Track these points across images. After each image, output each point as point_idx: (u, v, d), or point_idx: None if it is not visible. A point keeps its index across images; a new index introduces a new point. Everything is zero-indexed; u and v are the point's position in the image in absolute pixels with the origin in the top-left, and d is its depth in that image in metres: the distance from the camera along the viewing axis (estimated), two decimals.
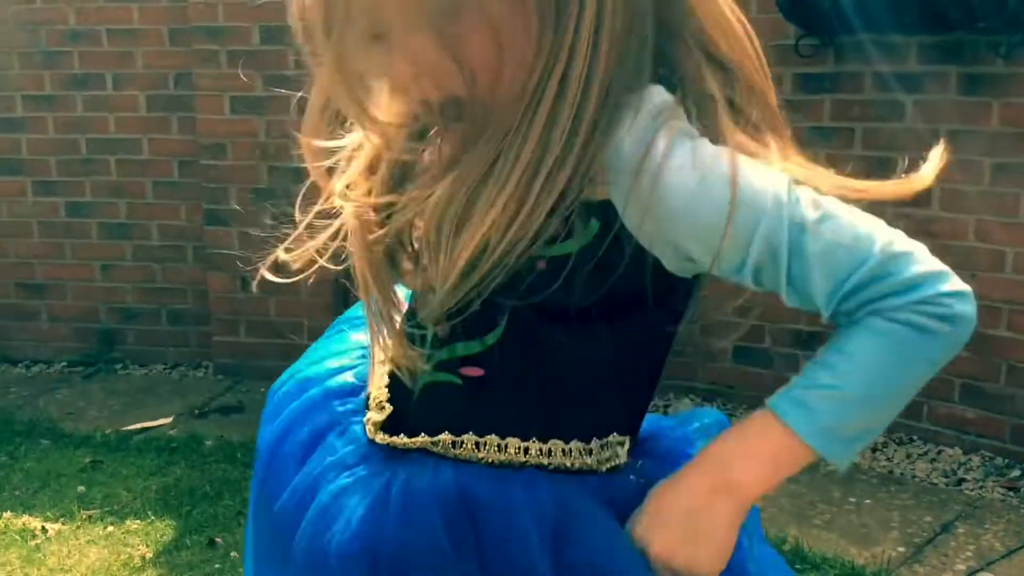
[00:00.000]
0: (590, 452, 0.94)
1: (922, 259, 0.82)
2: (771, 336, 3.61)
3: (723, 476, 0.87)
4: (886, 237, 0.80)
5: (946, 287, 0.81)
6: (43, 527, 2.88)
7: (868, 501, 3.01)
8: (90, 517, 2.94)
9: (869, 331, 0.83)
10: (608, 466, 0.95)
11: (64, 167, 4.20)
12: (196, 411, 3.74)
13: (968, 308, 0.81)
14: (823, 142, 3.39)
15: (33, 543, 2.81)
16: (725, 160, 0.81)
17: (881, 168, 3.32)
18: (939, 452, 3.30)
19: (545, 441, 0.92)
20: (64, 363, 4.31)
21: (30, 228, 4.29)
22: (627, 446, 0.97)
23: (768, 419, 0.87)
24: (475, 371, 0.92)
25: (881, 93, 3.24)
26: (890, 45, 3.17)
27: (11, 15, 4.12)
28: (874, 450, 3.34)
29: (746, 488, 0.87)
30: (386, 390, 0.99)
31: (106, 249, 4.24)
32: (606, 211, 0.84)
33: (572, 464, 0.93)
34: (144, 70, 4.08)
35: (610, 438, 0.96)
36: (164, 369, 4.25)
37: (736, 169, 0.80)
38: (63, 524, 2.90)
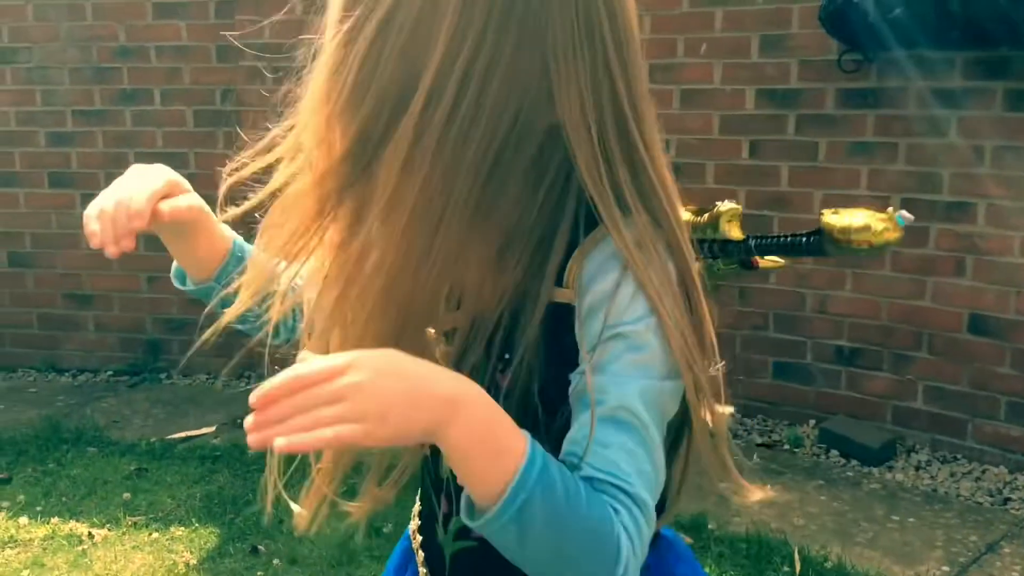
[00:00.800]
0: None
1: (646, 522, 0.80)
2: (812, 352, 3.59)
3: (461, 406, 0.74)
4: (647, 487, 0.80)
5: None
6: (90, 533, 2.93)
7: (912, 520, 2.98)
8: (135, 524, 2.98)
9: (602, 502, 0.78)
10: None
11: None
12: (239, 420, 3.79)
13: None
14: (866, 157, 3.38)
15: (80, 548, 2.86)
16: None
17: (924, 183, 3.33)
18: (984, 471, 3.26)
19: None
20: (110, 372, 4.39)
21: (79, 240, 4.36)
22: None
23: (520, 442, 0.76)
24: None
25: (924, 109, 3.22)
26: (933, 61, 3.16)
27: (63, 32, 4.22)
28: (917, 468, 3.31)
29: (456, 432, 0.74)
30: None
31: (152, 261, 4.27)
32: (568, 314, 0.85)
33: None
34: (191, 85, 4.16)
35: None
36: (207, 379, 4.31)
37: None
38: (109, 530, 2.95)
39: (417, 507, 1.07)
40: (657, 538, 1.02)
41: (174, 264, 1.08)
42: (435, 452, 0.95)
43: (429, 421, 0.73)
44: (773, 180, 3.54)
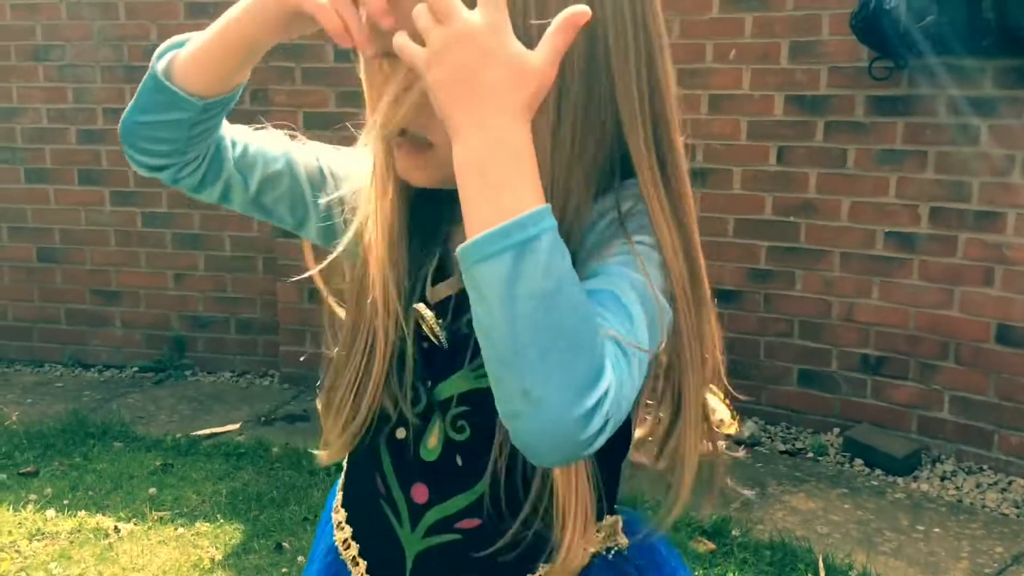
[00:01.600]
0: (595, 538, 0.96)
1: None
2: (838, 360, 3.58)
3: (529, 112, 0.74)
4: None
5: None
6: (116, 527, 2.96)
7: (937, 530, 2.96)
8: (161, 518, 3.01)
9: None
10: (610, 546, 0.99)
11: (141, 178, 4.29)
12: (263, 418, 3.82)
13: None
14: (895, 165, 3.36)
15: (106, 542, 2.88)
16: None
17: (954, 191, 3.31)
18: (1010, 482, 3.23)
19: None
20: (136, 368, 4.42)
21: (107, 237, 4.42)
22: (619, 525, 1.01)
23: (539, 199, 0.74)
24: (473, 522, 0.94)
25: (955, 117, 3.21)
26: (965, 68, 3.14)
27: (96, 30, 4.26)
28: (943, 478, 3.28)
29: (507, 124, 0.72)
30: None
31: (179, 259, 4.36)
32: None
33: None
34: None
35: (605, 521, 0.99)
36: (232, 377, 4.34)
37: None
38: (135, 524, 2.98)
39: (343, 515, 1.04)
40: (653, 551, 1.03)
41: (177, 56, 0.99)
42: (416, 436, 0.95)
43: (492, 98, 0.72)
44: (800, 186, 3.53)
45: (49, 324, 4.53)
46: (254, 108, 4.15)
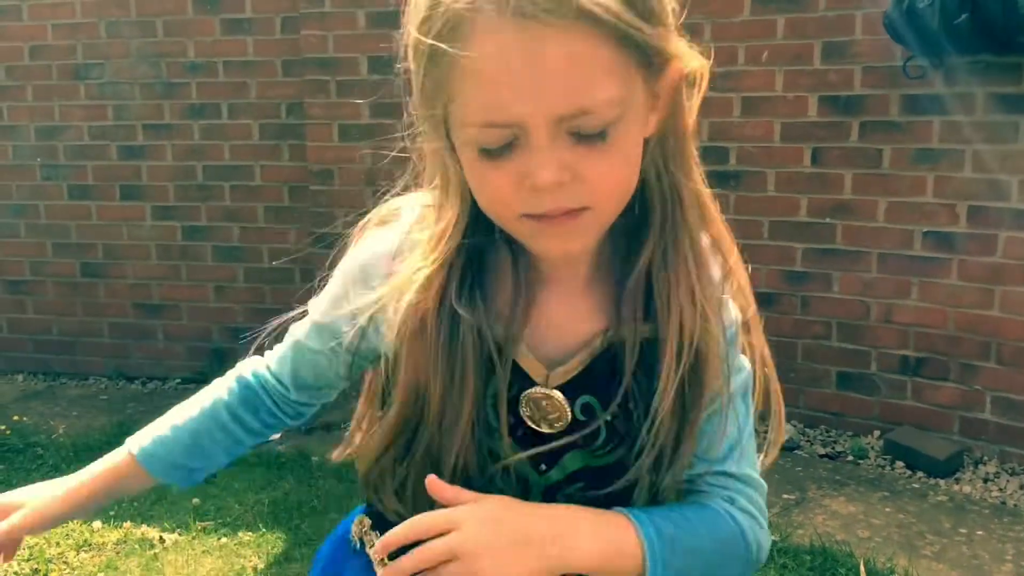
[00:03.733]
0: None
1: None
2: (877, 361, 3.55)
3: (566, 537, 0.87)
4: None
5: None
6: (161, 537, 3.00)
7: (980, 532, 2.93)
8: (204, 528, 3.05)
9: (714, 512, 0.96)
10: None
11: (181, 193, 4.40)
12: (303, 428, 3.86)
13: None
14: (932, 164, 3.33)
15: (151, 552, 2.93)
16: None
17: (992, 190, 3.26)
18: None
19: None
20: (178, 380, 4.49)
21: (148, 251, 4.49)
22: None
23: (628, 528, 0.89)
24: None
25: (991, 114, 3.17)
26: (1000, 66, 3.10)
27: (134, 48, 4.34)
28: (985, 480, 3.24)
29: (574, 559, 0.86)
30: None
31: (219, 271, 4.42)
32: None
33: None
34: (257, 100, 4.25)
35: None
36: None
37: None
38: (179, 535, 3.02)
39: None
40: None
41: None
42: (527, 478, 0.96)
43: (539, 566, 0.84)
44: (836, 188, 3.51)
45: (93, 338, 4.61)
46: (290, 121, 4.22)
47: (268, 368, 1.13)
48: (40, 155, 4.51)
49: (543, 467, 0.94)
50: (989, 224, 3.25)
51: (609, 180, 0.83)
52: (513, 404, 0.92)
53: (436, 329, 0.89)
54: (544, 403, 0.92)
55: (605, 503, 0.92)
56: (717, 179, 3.66)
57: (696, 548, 0.90)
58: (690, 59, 0.84)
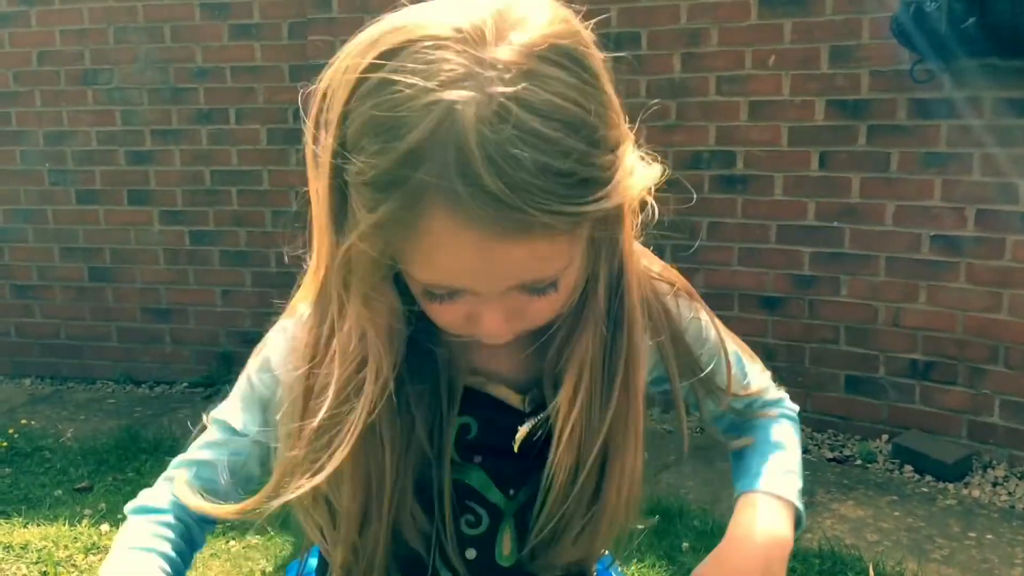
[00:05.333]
0: None
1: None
2: (885, 365, 3.54)
3: (773, 534, 0.99)
4: None
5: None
6: None
7: (989, 536, 2.92)
8: (213, 532, 3.05)
9: (766, 423, 1.15)
10: None
11: (189, 197, 4.41)
12: None
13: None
14: (940, 168, 3.33)
15: None
16: None
17: (1000, 193, 3.26)
18: None
19: None
20: (185, 384, 4.50)
21: (156, 256, 4.51)
22: None
23: (765, 497, 1.03)
24: None
25: (1000, 118, 3.17)
26: (1007, 70, 3.10)
27: (142, 54, 4.36)
28: (994, 484, 3.24)
29: (789, 538, 1.00)
30: None
31: (226, 276, 4.43)
32: None
33: None
34: (265, 105, 4.27)
35: None
36: None
37: None
38: None
39: None
40: None
41: None
42: (486, 549, 0.98)
43: (785, 566, 0.98)
44: (844, 191, 3.50)
45: (101, 342, 4.62)
46: (297, 126, 4.22)
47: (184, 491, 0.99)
48: (48, 160, 4.52)
49: (511, 491, 0.97)
50: (997, 228, 3.24)
51: (554, 311, 0.83)
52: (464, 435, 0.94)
53: (382, 423, 0.88)
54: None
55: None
56: (724, 183, 3.67)
57: (796, 463, 1.10)
58: (640, 183, 0.80)
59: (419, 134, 0.69)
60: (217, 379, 4.46)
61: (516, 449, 0.91)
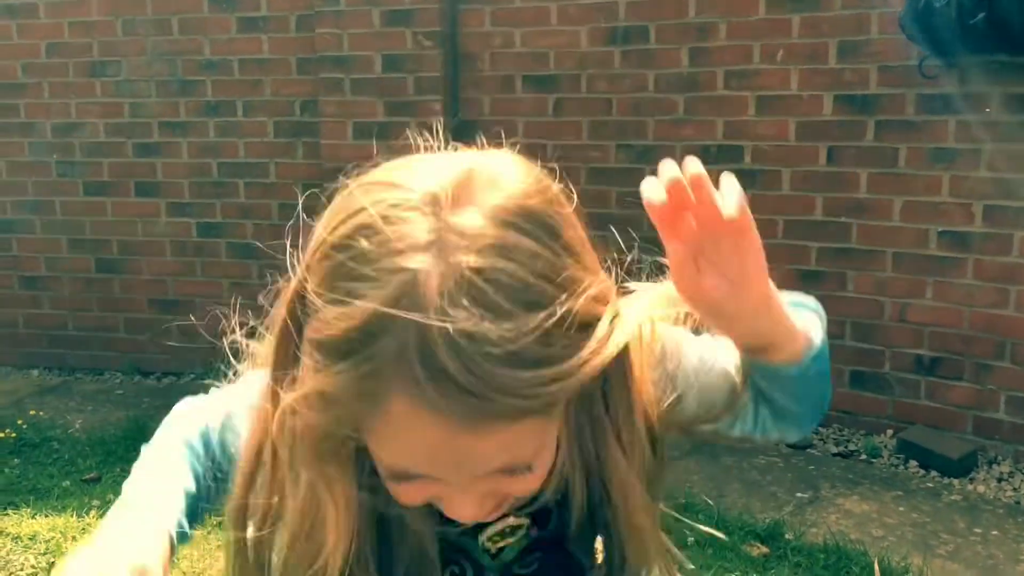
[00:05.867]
0: None
1: None
2: (891, 361, 3.54)
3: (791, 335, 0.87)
4: None
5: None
6: None
7: (995, 532, 2.92)
8: (220, 523, 3.04)
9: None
10: None
11: (196, 189, 4.42)
12: None
13: None
14: (948, 163, 3.33)
15: None
16: None
17: (1008, 189, 3.25)
18: None
19: None
20: (193, 375, 4.51)
21: (164, 247, 4.52)
22: None
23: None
24: None
25: (1008, 114, 3.16)
26: (1016, 66, 3.10)
27: (150, 46, 4.37)
28: (999, 480, 3.24)
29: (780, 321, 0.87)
30: None
31: (234, 267, 4.44)
32: None
33: None
34: (272, 97, 4.27)
35: None
36: None
37: None
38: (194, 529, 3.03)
39: None
40: None
41: None
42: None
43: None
44: (852, 187, 3.50)
45: (109, 333, 4.64)
46: (304, 119, 4.23)
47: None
48: (56, 152, 4.53)
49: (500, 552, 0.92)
50: (1005, 223, 3.24)
51: (533, 488, 0.78)
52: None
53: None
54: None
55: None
56: None
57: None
58: (614, 343, 0.73)
59: (380, 299, 0.66)
60: (225, 370, 4.47)
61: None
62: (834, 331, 3.59)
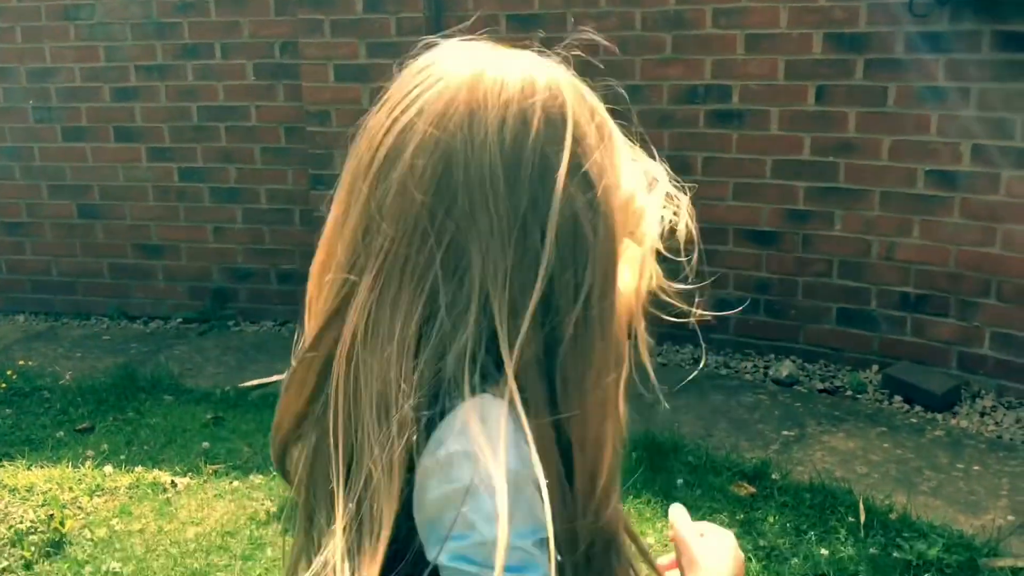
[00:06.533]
0: None
1: None
2: (877, 298, 3.58)
3: None
4: None
5: None
6: (172, 481, 3.05)
7: (976, 467, 2.99)
8: (216, 472, 3.10)
9: None
10: None
11: (176, 134, 4.35)
12: None
13: None
14: (936, 103, 3.31)
15: (164, 497, 2.98)
16: None
17: (997, 129, 3.24)
18: None
19: None
20: (180, 320, 4.51)
21: (146, 192, 4.47)
22: None
23: None
24: None
25: (998, 53, 3.14)
26: (1007, 4, 3.06)
27: None
28: (982, 414, 3.30)
29: None
30: None
31: (217, 212, 4.40)
32: None
33: None
34: (251, 39, 4.18)
35: None
36: (274, 326, 4.42)
37: None
38: (191, 479, 3.07)
39: None
40: None
41: None
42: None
43: None
44: (840, 126, 3.49)
45: (93, 278, 4.61)
46: (284, 61, 4.16)
47: None
48: (32, 97, 4.44)
49: None
50: (992, 163, 3.24)
51: None
52: None
53: None
54: None
55: None
56: (719, 118, 3.64)
57: None
58: None
59: None
60: (212, 314, 4.47)
61: None
62: (821, 269, 3.63)
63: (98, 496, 3.00)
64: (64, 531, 2.77)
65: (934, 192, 3.37)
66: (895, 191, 3.44)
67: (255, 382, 3.77)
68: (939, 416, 3.31)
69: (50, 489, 3.02)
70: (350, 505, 0.70)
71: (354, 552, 0.68)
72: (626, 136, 0.77)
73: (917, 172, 3.39)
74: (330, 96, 4.03)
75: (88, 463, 3.17)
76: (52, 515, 2.84)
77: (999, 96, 3.18)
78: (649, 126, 3.78)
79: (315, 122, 4.08)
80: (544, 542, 0.66)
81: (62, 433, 3.41)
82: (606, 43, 0.90)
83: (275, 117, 4.23)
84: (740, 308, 3.49)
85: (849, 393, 3.52)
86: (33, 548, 2.70)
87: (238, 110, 4.27)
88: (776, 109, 3.57)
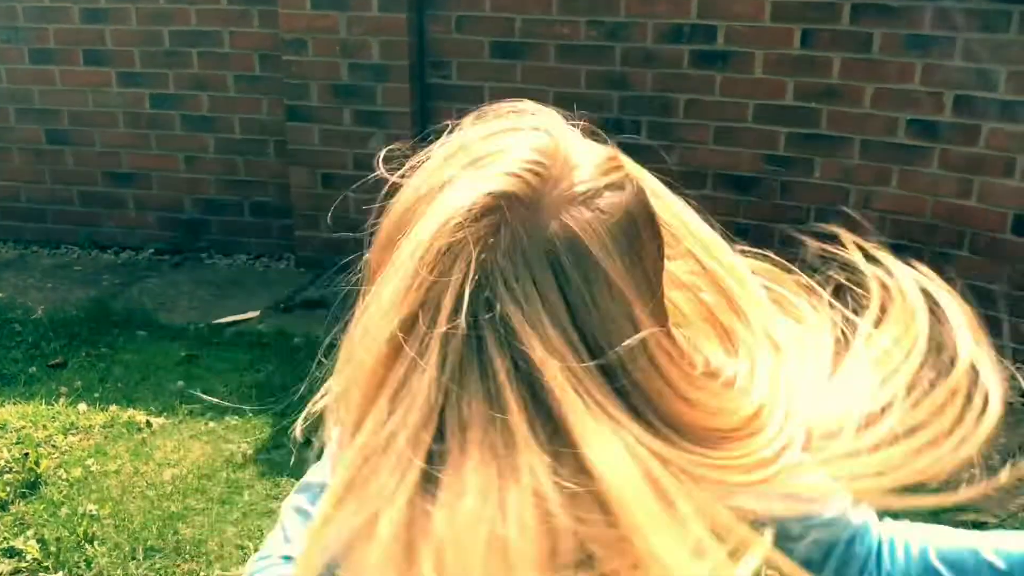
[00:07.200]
0: None
1: None
2: None
3: None
4: None
5: None
6: (148, 421, 3.05)
7: None
8: (191, 412, 3.10)
9: None
10: None
11: (147, 59, 4.23)
12: (282, 305, 3.87)
13: None
14: (922, 51, 3.28)
15: (139, 437, 2.98)
16: None
17: (980, 80, 3.21)
18: (1019, 368, 3.28)
19: None
20: (152, 251, 4.45)
21: (116, 118, 4.36)
22: None
23: None
24: None
25: (986, 2, 3.10)
26: None
27: None
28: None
29: None
30: None
31: (189, 141, 4.31)
32: None
33: None
34: None
35: None
36: (247, 260, 4.38)
37: None
38: (166, 419, 3.07)
39: None
40: None
41: None
42: None
43: None
44: (824, 71, 3.45)
45: (63, 206, 4.53)
46: (263, 30, 4.02)
47: None
48: None
49: None
50: (974, 114, 3.23)
51: None
52: None
53: None
54: None
55: None
56: (704, 59, 3.59)
57: None
58: None
59: None
60: (184, 246, 4.42)
61: None
62: (798, 216, 3.62)
63: (72, 435, 3.00)
64: (39, 471, 2.77)
65: (914, 142, 3.36)
66: (876, 139, 3.43)
67: (229, 319, 3.76)
68: None
69: (24, 427, 3.01)
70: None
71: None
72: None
73: (899, 121, 3.37)
74: (306, 24, 3.92)
75: (62, 400, 3.16)
76: (27, 454, 2.83)
77: (984, 47, 3.15)
78: (633, 65, 3.74)
79: (291, 51, 3.98)
80: None
81: (34, 368, 3.38)
82: None
83: (249, 44, 4.12)
84: None
85: None
86: (8, 488, 2.70)
87: (211, 35, 4.15)
88: (761, 52, 3.52)
